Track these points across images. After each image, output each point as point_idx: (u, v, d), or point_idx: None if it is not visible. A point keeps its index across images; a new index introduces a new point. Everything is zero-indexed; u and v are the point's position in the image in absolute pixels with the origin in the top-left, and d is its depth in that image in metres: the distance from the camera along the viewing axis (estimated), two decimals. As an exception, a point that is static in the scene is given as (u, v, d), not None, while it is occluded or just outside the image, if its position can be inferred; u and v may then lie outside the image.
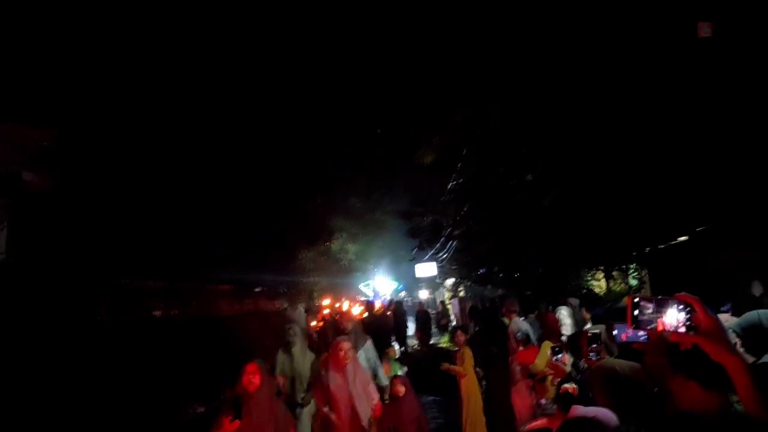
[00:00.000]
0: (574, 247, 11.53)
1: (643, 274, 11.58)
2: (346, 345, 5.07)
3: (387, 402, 5.51)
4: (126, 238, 10.43)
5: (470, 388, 6.90)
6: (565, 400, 3.24)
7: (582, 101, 9.58)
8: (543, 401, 5.57)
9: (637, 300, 1.60)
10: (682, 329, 1.51)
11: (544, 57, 9.88)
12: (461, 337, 7.61)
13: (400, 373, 6.71)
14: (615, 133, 9.34)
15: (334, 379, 5.02)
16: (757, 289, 6.60)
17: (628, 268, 12.16)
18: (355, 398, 4.95)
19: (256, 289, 18.36)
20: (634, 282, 11.91)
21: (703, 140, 7.94)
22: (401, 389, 5.40)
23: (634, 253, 11.35)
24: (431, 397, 10.46)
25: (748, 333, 2.54)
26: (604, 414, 2.34)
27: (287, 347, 6.42)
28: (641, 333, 1.75)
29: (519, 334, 6.61)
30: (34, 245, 8.32)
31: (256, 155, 14.57)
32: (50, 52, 9.06)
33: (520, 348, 6.45)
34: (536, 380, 5.78)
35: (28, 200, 8.42)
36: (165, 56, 10.93)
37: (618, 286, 12.20)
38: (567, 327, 7.61)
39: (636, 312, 1.59)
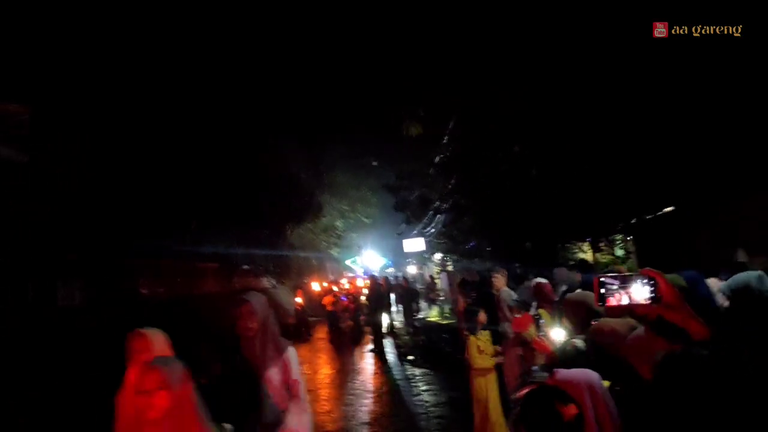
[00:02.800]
0: (561, 219, 11.55)
1: (629, 245, 11.63)
2: None
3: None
4: (108, 214, 10.30)
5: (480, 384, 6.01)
6: (572, 357, 3.23)
7: (568, 74, 9.53)
8: (534, 368, 5.58)
9: (602, 279, 1.73)
10: (647, 302, 1.64)
11: (529, 32, 9.84)
12: (481, 317, 6.31)
13: None
14: (601, 104, 9.30)
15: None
16: (741, 256, 6.64)
17: (614, 239, 12.22)
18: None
19: (244, 267, 18.28)
20: (620, 252, 11.97)
21: (688, 113, 7.94)
22: None
23: (621, 225, 11.38)
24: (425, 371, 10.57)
25: (736, 293, 2.53)
26: (585, 375, 2.31)
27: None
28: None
29: (513, 302, 6.61)
30: (13, 221, 8.15)
31: (240, 130, 14.38)
32: (22, 26, 8.83)
33: (516, 315, 6.43)
34: (528, 347, 5.79)
35: (6, 175, 8.23)
36: (139, 27, 10.70)
37: (605, 257, 12.25)
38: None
39: (602, 290, 1.72)
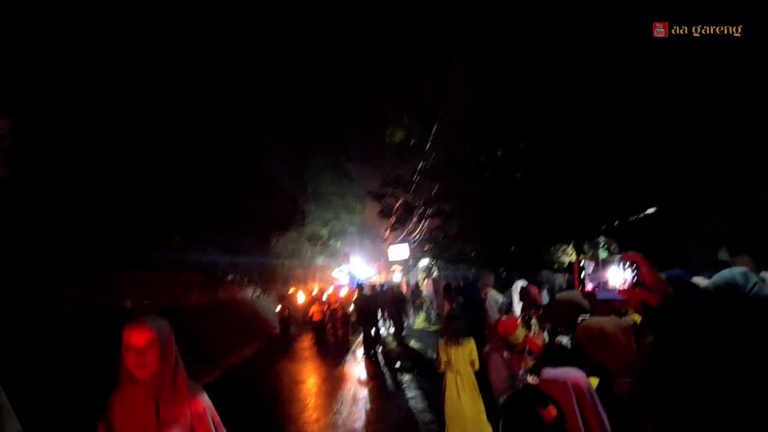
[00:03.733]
0: (545, 222, 11.62)
1: (612, 246, 11.75)
2: None
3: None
4: (91, 227, 10.21)
5: (451, 386, 5.99)
6: (558, 355, 3.24)
7: (550, 77, 9.62)
8: (520, 372, 5.58)
9: (582, 263, 1.80)
10: (629, 286, 1.67)
11: (510, 33, 9.92)
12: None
13: None
14: (582, 109, 9.40)
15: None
16: (723, 255, 6.72)
17: (597, 242, 12.33)
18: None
19: (228, 278, 18.15)
20: (604, 254, 12.08)
21: (670, 116, 8.03)
22: None
23: (603, 227, 11.49)
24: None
25: (721, 290, 2.56)
26: (570, 374, 2.33)
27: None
28: (614, 291, 1.86)
29: (500, 304, 6.61)
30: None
31: (222, 138, 14.33)
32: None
33: (502, 318, 6.41)
34: (515, 351, 5.77)
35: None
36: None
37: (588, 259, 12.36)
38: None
39: (582, 274, 1.78)
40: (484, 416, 5.83)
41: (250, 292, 21.13)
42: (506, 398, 2.19)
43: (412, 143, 16.52)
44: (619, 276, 1.69)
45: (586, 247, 12.43)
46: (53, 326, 8.23)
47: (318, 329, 16.73)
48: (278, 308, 17.43)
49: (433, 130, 14.83)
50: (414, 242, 23.79)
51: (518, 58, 10.11)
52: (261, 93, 15.34)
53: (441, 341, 6.13)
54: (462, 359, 6.02)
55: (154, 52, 11.37)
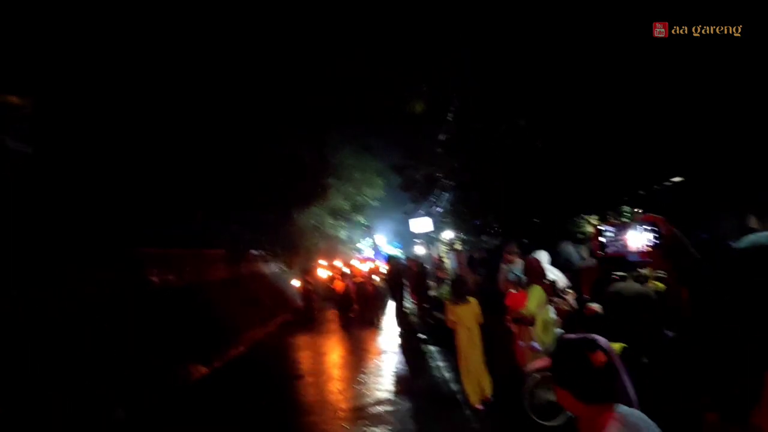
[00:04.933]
0: (567, 192, 11.44)
1: (637, 216, 11.52)
2: None
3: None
4: (115, 206, 10.34)
5: (464, 340, 6.70)
6: (592, 321, 3.22)
7: (571, 46, 9.41)
8: (534, 344, 5.59)
9: (601, 228, 1.76)
10: (649, 247, 1.66)
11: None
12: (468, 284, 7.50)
13: None
14: (606, 74, 9.17)
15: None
16: (753, 222, 6.55)
17: (622, 211, 12.10)
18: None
19: (251, 252, 18.30)
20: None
21: (698, 83, 7.82)
22: None
23: (627, 197, 11.27)
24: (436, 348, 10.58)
25: (750, 252, 2.46)
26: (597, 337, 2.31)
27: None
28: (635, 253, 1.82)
29: (511, 275, 6.59)
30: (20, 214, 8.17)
31: (243, 115, 14.33)
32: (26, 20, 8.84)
33: (511, 291, 6.41)
34: (524, 323, 5.79)
35: (13, 168, 8.26)
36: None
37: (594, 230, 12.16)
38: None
39: (601, 238, 1.74)
40: (485, 368, 6.61)
41: (273, 267, 21.32)
42: (557, 344, 2.19)
43: (432, 114, 16.33)
44: (638, 239, 1.65)
45: (610, 216, 12.22)
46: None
47: (341, 302, 16.82)
48: (300, 282, 17.56)
49: (453, 101, 14.63)
50: (437, 215, 23.67)
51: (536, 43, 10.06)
52: (281, 68, 15.24)
53: (448, 302, 6.96)
54: (469, 316, 6.67)
55: (179, 36, 11.38)
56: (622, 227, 1.46)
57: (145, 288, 10.49)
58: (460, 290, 6.96)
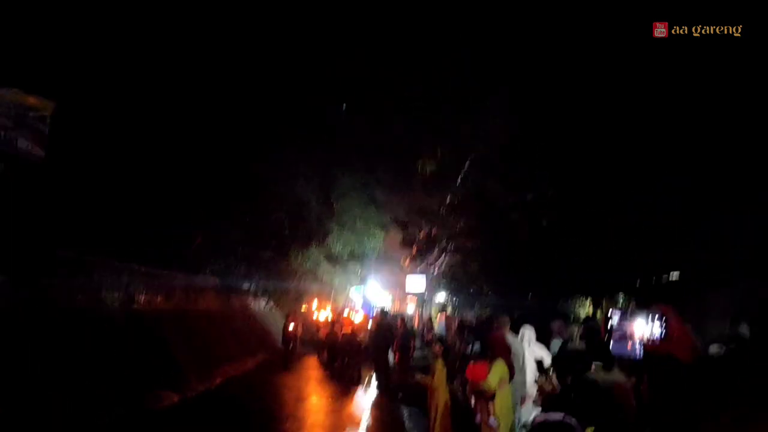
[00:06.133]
0: (566, 273, 11.46)
1: (631, 305, 11.50)
2: None
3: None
4: (114, 220, 10.42)
5: (440, 400, 6.65)
6: (562, 402, 3.23)
7: (583, 125, 9.61)
8: (492, 420, 5.48)
9: (610, 313, 1.80)
10: (657, 338, 1.69)
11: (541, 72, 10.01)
12: (437, 348, 7.34)
13: None
14: (614, 162, 9.33)
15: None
16: (744, 330, 6.51)
17: (616, 299, 12.10)
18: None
19: (243, 287, 18.19)
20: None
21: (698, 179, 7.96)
22: None
23: (624, 285, 11.29)
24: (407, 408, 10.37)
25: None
26: (566, 419, 2.30)
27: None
28: (626, 345, 1.83)
29: (471, 351, 6.51)
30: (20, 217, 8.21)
31: (254, 150, 14.53)
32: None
33: (471, 363, 6.25)
34: (483, 398, 5.65)
35: (20, 168, 8.33)
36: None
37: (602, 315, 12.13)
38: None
39: (609, 324, 1.78)
40: None
41: (262, 304, 21.10)
42: (533, 426, 2.21)
43: (442, 177, 16.53)
44: (644, 328, 1.68)
45: (604, 303, 12.20)
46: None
47: (325, 351, 16.42)
48: (285, 324, 17.27)
49: (465, 167, 14.84)
50: (432, 276, 23.58)
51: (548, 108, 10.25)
52: (296, 106, 15.54)
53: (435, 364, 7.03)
54: (440, 377, 6.80)
55: (182, 58, 11.68)
56: (630, 315, 1.49)
57: (126, 307, 10.40)
58: (434, 351, 7.34)
